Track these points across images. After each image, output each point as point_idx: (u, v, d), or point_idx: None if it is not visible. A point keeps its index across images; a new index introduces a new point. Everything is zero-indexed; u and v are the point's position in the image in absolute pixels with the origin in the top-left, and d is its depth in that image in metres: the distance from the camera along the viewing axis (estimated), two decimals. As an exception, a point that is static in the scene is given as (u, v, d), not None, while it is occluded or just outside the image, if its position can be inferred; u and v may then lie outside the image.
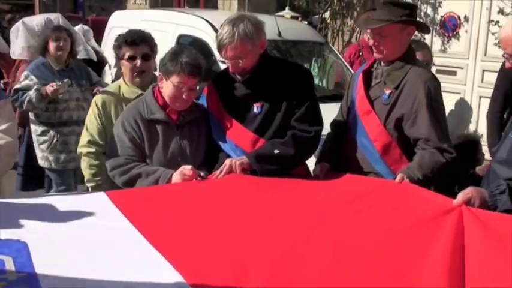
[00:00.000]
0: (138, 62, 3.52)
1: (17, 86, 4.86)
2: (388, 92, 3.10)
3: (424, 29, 3.43)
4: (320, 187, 2.94)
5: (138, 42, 3.55)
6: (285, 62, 3.37)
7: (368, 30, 3.31)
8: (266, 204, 2.67)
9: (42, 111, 4.80)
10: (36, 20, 5.78)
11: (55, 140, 4.83)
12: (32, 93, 4.67)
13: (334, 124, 3.44)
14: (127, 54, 3.55)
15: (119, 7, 14.97)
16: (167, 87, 3.05)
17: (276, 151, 2.97)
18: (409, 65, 3.12)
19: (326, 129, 3.52)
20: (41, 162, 4.96)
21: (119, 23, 7.63)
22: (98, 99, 3.56)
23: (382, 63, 3.20)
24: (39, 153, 4.94)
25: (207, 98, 3.24)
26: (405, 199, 2.64)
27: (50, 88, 4.63)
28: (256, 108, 3.09)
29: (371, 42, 3.19)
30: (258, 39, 3.03)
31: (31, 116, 4.97)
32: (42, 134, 4.88)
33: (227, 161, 2.97)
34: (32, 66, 4.97)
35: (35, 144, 4.96)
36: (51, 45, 4.85)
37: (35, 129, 4.93)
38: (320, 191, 2.89)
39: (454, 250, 2.20)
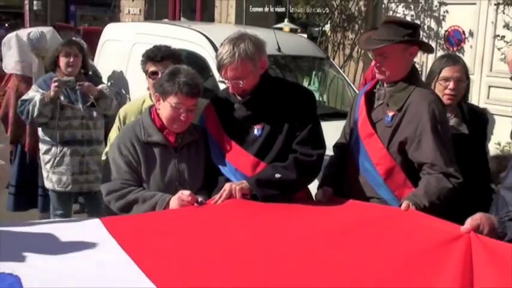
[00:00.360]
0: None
1: (24, 97, 4.83)
2: (391, 114, 3.12)
3: (427, 49, 3.45)
4: (323, 213, 2.95)
5: (160, 58, 3.72)
6: (286, 83, 3.40)
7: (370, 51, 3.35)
8: (267, 232, 2.68)
9: (48, 118, 4.72)
10: (30, 34, 5.80)
11: (57, 159, 4.80)
12: (36, 98, 4.64)
13: (337, 147, 3.46)
14: (150, 70, 3.74)
15: (112, 17, 15.08)
16: (164, 109, 3.07)
17: (278, 175, 2.99)
18: (413, 86, 3.14)
19: (328, 149, 3.54)
20: (46, 183, 4.92)
21: (112, 36, 7.67)
22: (121, 111, 3.82)
23: (384, 84, 3.22)
24: (44, 173, 4.91)
25: (206, 120, 3.26)
26: (411, 227, 2.65)
27: (52, 86, 4.60)
28: (256, 131, 3.11)
29: (373, 63, 3.22)
30: (259, 59, 3.06)
31: (39, 133, 4.95)
32: (46, 152, 4.85)
33: (226, 186, 2.98)
34: (40, 81, 4.95)
35: (41, 164, 4.94)
36: (61, 61, 4.81)
37: (41, 147, 4.92)
38: (323, 217, 2.90)
39: (463, 279, 2.22)
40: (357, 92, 7.01)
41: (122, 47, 7.11)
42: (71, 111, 4.76)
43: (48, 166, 4.84)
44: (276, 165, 3.03)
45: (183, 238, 2.60)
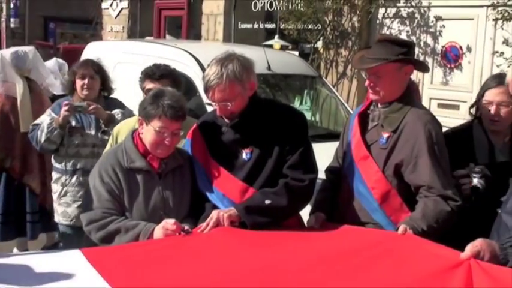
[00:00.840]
0: None
1: (35, 121, 4.72)
2: (385, 135, 3.14)
3: (423, 68, 3.49)
4: (316, 241, 2.95)
5: (158, 77, 3.80)
6: (276, 104, 3.42)
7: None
8: (257, 261, 2.67)
9: (56, 144, 4.55)
10: (14, 53, 5.78)
11: (64, 189, 4.63)
12: (44, 123, 4.51)
13: (330, 171, 3.48)
14: (147, 87, 3.81)
15: (93, 34, 15.12)
16: (148, 133, 3.07)
17: (267, 202, 2.99)
18: (408, 107, 3.16)
19: (320, 172, 3.55)
20: (55, 216, 4.75)
21: (94, 54, 7.64)
22: (115, 128, 3.93)
23: (378, 105, 3.25)
24: (54, 205, 4.75)
25: (192, 144, 3.26)
26: (410, 253, 2.66)
27: (62, 111, 4.41)
28: (245, 155, 3.11)
29: (366, 83, 3.24)
30: (248, 80, 3.07)
31: (52, 160, 4.79)
32: (55, 181, 4.71)
33: (214, 213, 2.98)
34: (54, 105, 4.76)
35: (54, 196, 4.78)
36: (77, 84, 4.64)
37: (53, 175, 4.76)
38: (316, 245, 2.90)
39: None
40: (351, 111, 7.09)
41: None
42: (80, 138, 4.58)
43: (55, 196, 4.69)
44: (265, 191, 3.03)
45: (168, 269, 2.59)
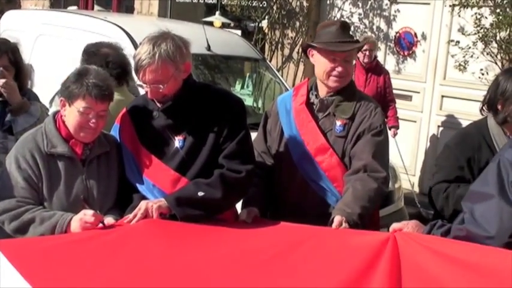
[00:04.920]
0: None
1: None
2: (340, 123, 3.36)
3: None
4: (248, 236, 3.03)
5: None
6: (212, 89, 3.45)
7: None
8: (182, 256, 2.74)
9: None
10: None
11: None
12: None
13: (260, 166, 3.51)
14: None
15: (10, 1, 14.73)
16: (71, 115, 3.07)
17: (200, 193, 3.04)
18: (356, 95, 3.47)
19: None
20: None
21: (12, 25, 7.55)
22: None
23: (321, 95, 3.45)
24: None
25: (120, 129, 3.29)
26: (340, 246, 2.84)
27: None
28: (178, 142, 3.16)
29: (339, 69, 3.36)
30: (182, 61, 3.11)
31: None
32: None
33: (142, 204, 3.00)
34: None
35: None
36: None
37: None
38: (248, 240, 2.98)
39: (390, 274, 2.55)
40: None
41: (24, 39, 7.01)
42: None
43: None
44: (199, 182, 3.08)
45: (91, 267, 2.61)
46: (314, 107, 3.45)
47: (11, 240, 2.90)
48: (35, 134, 3.15)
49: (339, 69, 3.35)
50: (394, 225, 2.89)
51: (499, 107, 3.37)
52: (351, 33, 3.54)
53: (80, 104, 3.03)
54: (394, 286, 2.50)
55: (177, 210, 3.01)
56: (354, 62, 5.60)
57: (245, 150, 3.20)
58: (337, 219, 3.03)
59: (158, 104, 3.18)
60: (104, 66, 3.92)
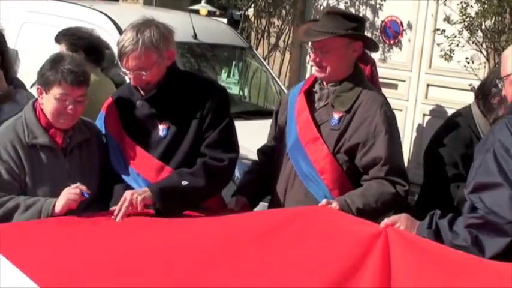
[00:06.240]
0: None
1: None
2: (337, 116, 3.22)
3: (372, 46, 3.51)
4: (235, 224, 3.03)
5: None
6: (196, 77, 3.46)
7: (309, 44, 3.36)
8: (164, 246, 2.73)
9: None
10: None
11: None
12: None
13: (263, 152, 3.54)
14: None
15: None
16: (48, 102, 3.06)
17: (184, 183, 3.04)
18: (360, 87, 3.25)
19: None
20: None
21: (-4, 13, 7.48)
22: None
23: (327, 84, 3.30)
24: None
25: (105, 118, 3.29)
26: (329, 228, 2.81)
27: None
28: (161, 131, 3.17)
29: (312, 57, 3.27)
30: (166, 49, 3.11)
31: None
32: None
33: (127, 194, 2.98)
34: None
35: None
36: None
37: None
38: (234, 228, 2.98)
39: (381, 273, 2.49)
40: (282, 87, 7.21)
41: (8, 27, 6.95)
42: None
43: None
44: (182, 171, 3.09)
45: (79, 247, 2.65)
46: (316, 95, 3.36)
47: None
48: (15, 123, 3.13)
49: (316, 59, 3.24)
50: (386, 221, 2.71)
51: (495, 101, 3.33)
52: (346, 22, 3.23)
53: (56, 91, 3.03)
54: (384, 287, 2.45)
55: (161, 204, 3.00)
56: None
57: (228, 138, 3.20)
58: (325, 200, 2.99)
59: (142, 92, 3.18)
60: (74, 44, 4.14)
